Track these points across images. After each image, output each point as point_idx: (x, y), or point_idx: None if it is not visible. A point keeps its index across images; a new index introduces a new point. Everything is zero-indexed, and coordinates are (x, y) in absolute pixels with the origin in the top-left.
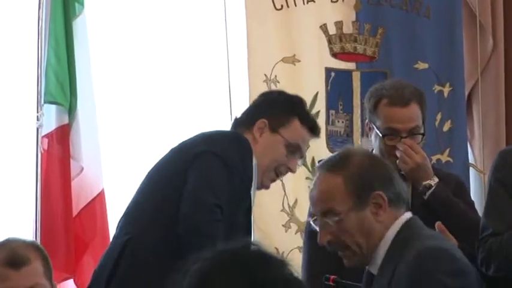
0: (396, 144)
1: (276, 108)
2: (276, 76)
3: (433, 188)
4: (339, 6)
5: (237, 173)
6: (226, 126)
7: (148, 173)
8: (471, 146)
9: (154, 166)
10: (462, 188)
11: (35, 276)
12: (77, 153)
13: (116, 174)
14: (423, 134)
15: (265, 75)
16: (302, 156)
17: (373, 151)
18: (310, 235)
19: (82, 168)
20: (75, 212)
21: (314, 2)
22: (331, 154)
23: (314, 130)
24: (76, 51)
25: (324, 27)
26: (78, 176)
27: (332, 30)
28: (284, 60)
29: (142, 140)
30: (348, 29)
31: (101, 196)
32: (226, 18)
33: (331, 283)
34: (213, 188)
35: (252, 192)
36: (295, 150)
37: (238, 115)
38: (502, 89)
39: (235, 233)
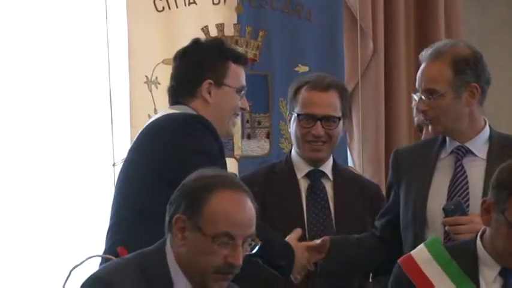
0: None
1: (210, 63)
2: (156, 77)
3: None
4: (221, 8)
5: (218, 154)
6: (106, 126)
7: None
8: (350, 149)
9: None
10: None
11: None
12: None
13: None
14: (339, 119)
15: (146, 76)
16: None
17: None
18: None
19: None
20: None
21: (196, 4)
22: None
23: (246, 61)
24: None
25: (205, 30)
26: None
27: (213, 32)
28: (165, 61)
29: (17, 135)
30: (229, 31)
31: None
32: (107, 19)
33: None
34: None
35: None
36: (242, 91)
37: (170, 85)
38: (382, 93)
39: None
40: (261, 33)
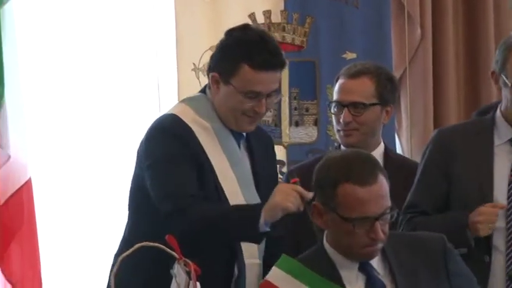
0: None
1: (223, 57)
2: (204, 65)
3: None
4: None
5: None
6: (155, 115)
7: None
8: (398, 136)
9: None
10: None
11: None
12: (4, 141)
13: (43, 163)
14: (370, 105)
15: (194, 64)
16: (264, 96)
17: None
18: None
19: (9, 157)
20: (1, 201)
21: None
22: None
23: (274, 66)
24: (3, 38)
25: (252, 16)
26: (5, 164)
27: (260, 19)
28: (212, 49)
29: (69, 128)
30: (276, 18)
31: (28, 184)
32: (154, 7)
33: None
34: (168, 190)
35: (213, 161)
36: (254, 96)
37: None
38: (430, 79)
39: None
40: (308, 20)
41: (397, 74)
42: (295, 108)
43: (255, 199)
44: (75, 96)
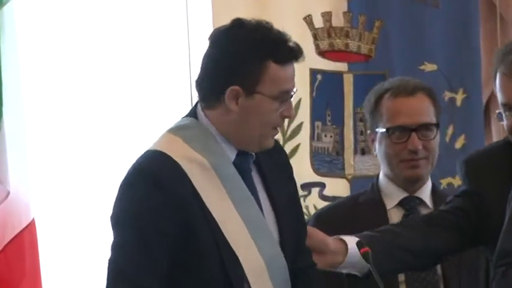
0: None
1: (241, 64)
2: None
3: None
4: None
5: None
6: None
7: None
8: None
9: None
10: None
11: None
12: (3, 175)
13: (48, 201)
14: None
15: None
16: (294, 92)
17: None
18: None
19: (8, 193)
20: None
21: None
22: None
23: (296, 56)
24: (2, 45)
25: (308, 20)
26: (3, 202)
27: (318, 23)
28: None
29: (80, 157)
30: (338, 21)
31: (31, 227)
32: (187, 5)
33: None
34: (122, 273)
35: (211, 206)
36: (285, 96)
37: (196, 79)
38: None
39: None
40: (377, 24)
41: (487, 90)
42: (361, 133)
43: (270, 243)
44: (86, 116)
